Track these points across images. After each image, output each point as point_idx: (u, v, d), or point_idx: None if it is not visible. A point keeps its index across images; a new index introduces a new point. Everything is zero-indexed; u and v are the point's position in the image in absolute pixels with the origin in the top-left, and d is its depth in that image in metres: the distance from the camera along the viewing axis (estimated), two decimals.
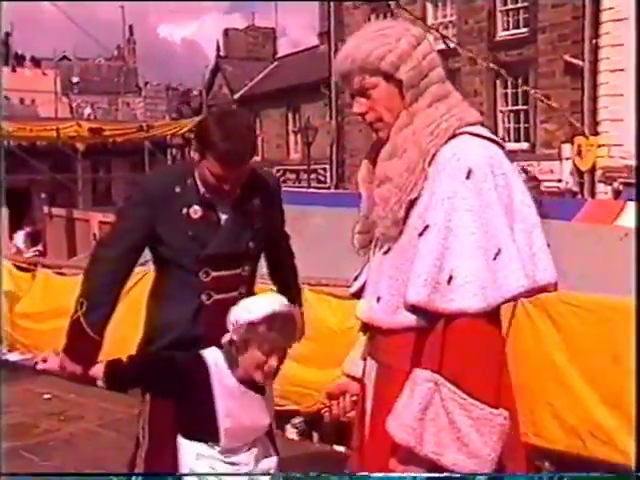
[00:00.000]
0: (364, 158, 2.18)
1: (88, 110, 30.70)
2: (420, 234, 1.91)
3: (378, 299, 2.03)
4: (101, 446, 4.91)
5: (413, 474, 1.88)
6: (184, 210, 2.77)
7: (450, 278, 1.84)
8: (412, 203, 1.95)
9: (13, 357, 7.28)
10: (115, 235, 2.89)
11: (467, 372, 1.82)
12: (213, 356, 2.52)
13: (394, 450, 1.89)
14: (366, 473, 2.00)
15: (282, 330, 2.42)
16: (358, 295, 2.19)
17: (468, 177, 1.87)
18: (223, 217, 2.82)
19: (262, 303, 2.45)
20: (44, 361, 2.75)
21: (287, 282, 3.13)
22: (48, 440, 5.06)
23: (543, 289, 1.96)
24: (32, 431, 5.24)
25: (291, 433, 5.18)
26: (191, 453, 2.51)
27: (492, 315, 1.85)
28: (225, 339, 2.48)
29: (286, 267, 3.16)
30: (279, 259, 3.14)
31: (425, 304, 1.87)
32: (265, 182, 2.98)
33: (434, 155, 1.93)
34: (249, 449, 2.54)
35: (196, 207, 2.77)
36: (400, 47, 1.98)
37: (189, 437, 2.53)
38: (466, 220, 1.85)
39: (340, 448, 4.83)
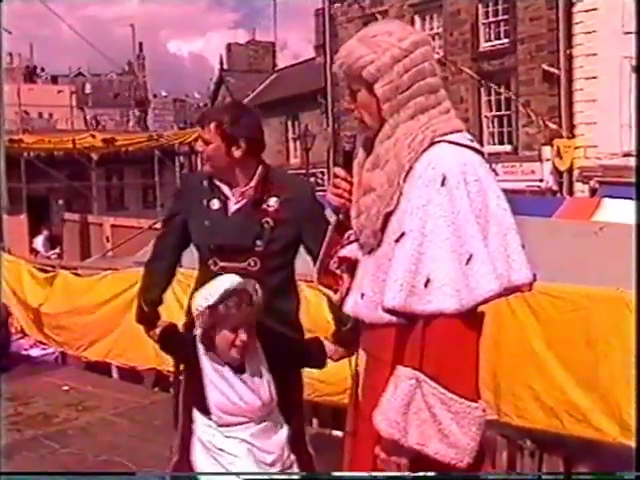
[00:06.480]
0: (360, 146, 2.13)
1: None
2: (397, 240, 1.89)
3: (362, 295, 2.01)
4: (115, 434, 4.92)
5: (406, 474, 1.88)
6: (205, 202, 2.92)
7: (427, 281, 1.81)
8: (390, 214, 1.92)
9: (35, 352, 7.29)
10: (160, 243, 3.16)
11: (446, 369, 1.81)
12: None
13: (380, 439, 1.88)
14: (374, 473, 1.97)
15: (239, 305, 2.49)
16: (334, 274, 2.15)
17: (443, 184, 1.84)
18: (232, 209, 2.90)
19: (214, 287, 2.53)
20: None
21: None
22: (67, 428, 5.07)
23: (517, 289, 1.93)
24: (52, 420, 5.25)
25: None
26: (200, 424, 2.62)
27: (468, 315, 1.82)
28: (196, 332, 2.56)
29: None
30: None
31: (401, 308, 1.85)
32: (288, 188, 2.91)
33: (410, 169, 1.89)
34: (245, 426, 2.60)
35: (215, 200, 2.91)
36: (382, 60, 1.91)
37: (200, 410, 2.63)
38: (440, 226, 1.82)
39: (337, 433, 4.84)
